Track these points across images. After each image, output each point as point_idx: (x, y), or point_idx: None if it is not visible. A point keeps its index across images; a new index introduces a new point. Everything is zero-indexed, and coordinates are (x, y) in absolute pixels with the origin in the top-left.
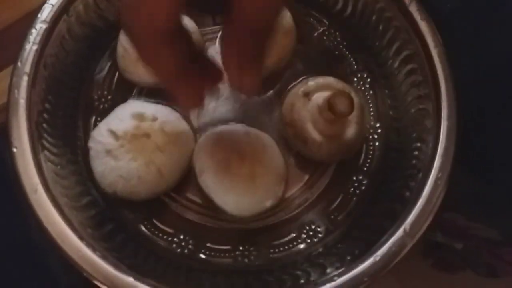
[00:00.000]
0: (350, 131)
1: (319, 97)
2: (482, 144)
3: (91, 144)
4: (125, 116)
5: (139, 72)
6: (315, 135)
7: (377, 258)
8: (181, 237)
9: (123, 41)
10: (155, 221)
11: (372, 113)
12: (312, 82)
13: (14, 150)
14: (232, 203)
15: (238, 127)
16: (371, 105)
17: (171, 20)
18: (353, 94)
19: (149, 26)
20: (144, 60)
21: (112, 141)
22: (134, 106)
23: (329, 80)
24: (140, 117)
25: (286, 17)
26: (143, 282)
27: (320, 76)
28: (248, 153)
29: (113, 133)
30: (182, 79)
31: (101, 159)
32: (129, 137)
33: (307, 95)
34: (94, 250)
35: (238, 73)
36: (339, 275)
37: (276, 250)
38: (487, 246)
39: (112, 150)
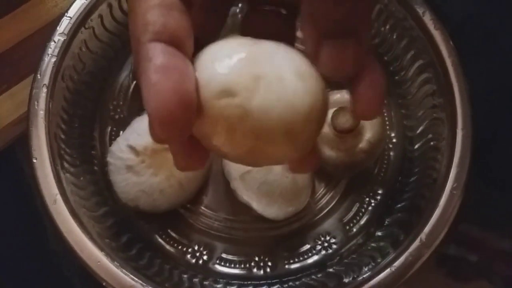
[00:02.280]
0: (363, 145)
1: (330, 113)
2: (496, 154)
3: (110, 159)
4: (143, 131)
5: None
6: (327, 151)
7: (393, 269)
8: (196, 247)
9: None
10: (170, 232)
11: (387, 123)
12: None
13: (34, 160)
14: (272, 204)
15: None
16: (386, 115)
17: None
18: None
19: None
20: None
21: (133, 157)
22: None
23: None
24: None
25: None
26: None
27: (337, 91)
28: None
29: (133, 149)
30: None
31: (122, 174)
32: (149, 153)
33: None
34: (112, 260)
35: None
36: (356, 287)
37: (291, 261)
38: (502, 257)
39: (133, 166)
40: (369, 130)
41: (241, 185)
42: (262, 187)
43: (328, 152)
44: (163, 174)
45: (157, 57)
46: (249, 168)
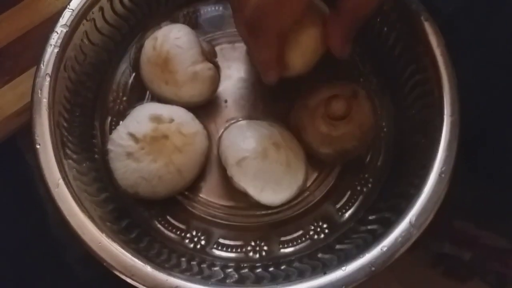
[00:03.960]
0: (355, 132)
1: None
2: (489, 150)
3: (110, 146)
4: (143, 119)
5: (163, 88)
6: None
7: (384, 249)
8: (194, 233)
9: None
10: (168, 218)
11: (378, 112)
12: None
13: (38, 146)
14: (268, 190)
15: (260, 121)
16: (377, 104)
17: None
18: (367, 104)
19: (275, 27)
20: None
21: (132, 144)
22: (150, 109)
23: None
24: (157, 119)
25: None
26: (160, 271)
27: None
28: (281, 142)
29: (133, 136)
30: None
31: (122, 161)
32: (148, 140)
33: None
34: (113, 241)
35: (340, 47)
36: (347, 265)
37: (285, 245)
38: (496, 255)
39: (133, 152)
40: (361, 118)
41: (238, 172)
42: (257, 174)
43: (318, 139)
44: (161, 161)
45: None
46: (245, 155)
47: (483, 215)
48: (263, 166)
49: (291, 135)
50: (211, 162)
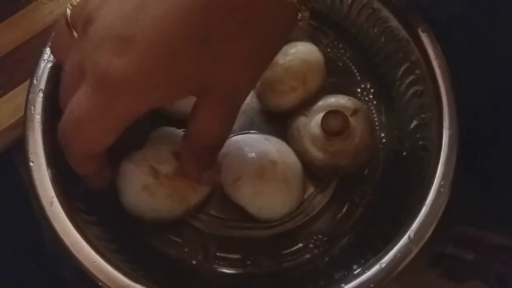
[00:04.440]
0: (351, 150)
1: (319, 116)
2: (489, 154)
3: (126, 169)
4: (167, 155)
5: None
6: (314, 151)
7: (383, 265)
8: (191, 247)
9: None
10: (164, 232)
11: (377, 123)
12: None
13: (31, 164)
14: (268, 208)
15: (255, 135)
16: (375, 116)
17: (106, 147)
18: (367, 123)
19: (84, 152)
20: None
21: (152, 179)
22: (172, 141)
23: (332, 100)
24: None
25: (316, 54)
26: None
27: (331, 96)
28: (278, 159)
29: (155, 171)
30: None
31: (135, 191)
32: (170, 177)
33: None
34: (108, 261)
35: (196, 173)
36: (346, 283)
37: (285, 259)
38: (498, 255)
39: (150, 186)
40: (358, 137)
41: (235, 191)
42: (254, 193)
43: (315, 153)
44: (176, 197)
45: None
46: (241, 175)
47: (484, 219)
48: (260, 186)
49: (288, 149)
50: None
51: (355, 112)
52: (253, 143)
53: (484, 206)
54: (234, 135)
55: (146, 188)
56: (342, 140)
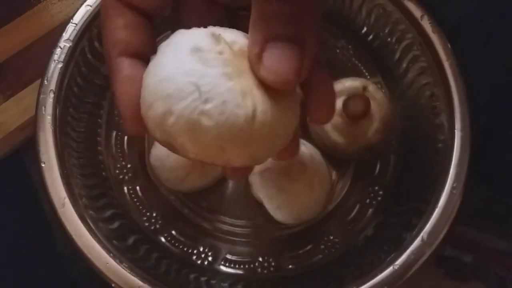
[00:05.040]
0: (378, 126)
1: (340, 100)
2: (492, 155)
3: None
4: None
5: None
6: (341, 139)
7: (396, 267)
8: (201, 249)
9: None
10: (174, 234)
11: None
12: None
13: (43, 165)
14: (285, 208)
15: None
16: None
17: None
18: (379, 95)
19: None
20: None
21: (209, 41)
22: None
23: (339, 86)
24: None
25: None
26: None
27: (346, 79)
28: (309, 165)
29: (215, 35)
30: None
31: (181, 54)
32: (235, 51)
33: None
34: (120, 261)
35: (258, 44)
36: (358, 285)
37: (295, 261)
38: (497, 258)
39: (204, 51)
40: (378, 111)
41: (258, 181)
42: (278, 189)
43: (341, 139)
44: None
45: (124, 69)
46: (268, 166)
47: (484, 219)
48: (285, 183)
49: (321, 159)
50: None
51: (365, 88)
52: None
53: (484, 206)
54: None
55: (197, 50)
56: (366, 120)
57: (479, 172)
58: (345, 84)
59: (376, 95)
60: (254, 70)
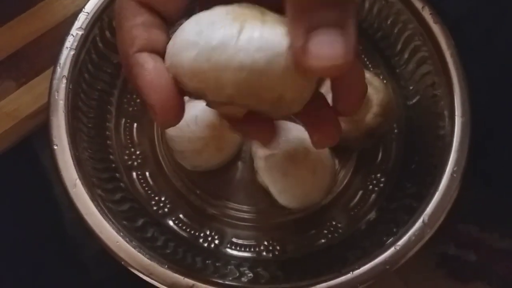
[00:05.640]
0: (376, 110)
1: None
2: (495, 152)
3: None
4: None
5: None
6: (344, 127)
7: (398, 248)
8: (207, 232)
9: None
10: (181, 217)
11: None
12: None
13: (55, 147)
14: (289, 192)
15: (296, 124)
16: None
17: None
18: (376, 81)
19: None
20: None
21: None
22: None
23: None
24: None
25: None
26: (176, 272)
27: None
28: (312, 150)
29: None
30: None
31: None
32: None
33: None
34: (130, 240)
35: (300, 35)
36: (361, 264)
37: (299, 244)
38: (501, 258)
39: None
40: (376, 95)
41: (263, 166)
42: (282, 174)
43: (342, 126)
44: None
45: (148, 62)
46: (274, 151)
47: (487, 217)
48: (289, 168)
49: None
50: (227, 163)
51: None
52: (293, 129)
53: (487, 205)
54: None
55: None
56: (363, 105)
57: (482, 172)
58: None
59: (373, 81)
60: (302, 66)
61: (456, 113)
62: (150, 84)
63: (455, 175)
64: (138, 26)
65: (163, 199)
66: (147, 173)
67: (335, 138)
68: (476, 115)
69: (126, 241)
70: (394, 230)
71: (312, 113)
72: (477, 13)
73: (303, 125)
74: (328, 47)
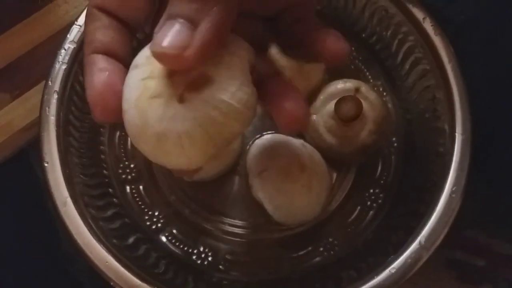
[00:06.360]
0: (371, 127)
1: (332, 102)
2: (500, 158)
3: None
4: None
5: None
6: (335, 141)
7: (393, 271)
8: (201, 248)
9: None
10: (175, 232)
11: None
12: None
13: (46, 164)
14: (284, 209)
15: (294, 139)
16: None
17: None
18: (373, 96)
19: None
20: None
21: None
22: None
23: (332, 88)
24: None
25: None
26: None
27: (338, 81)
28: (308, 165)
29: None
30: None
31: None
32: None
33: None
34: (119, 260)
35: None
36: (355, 287)
37: (294, 262)
38: (508, 263)
39: None
40: (372, 112)
41: (257, 182)
42: (276, 190)
43: (335, 141)
44: None
45: (97, 63)
46: (267, 167)
47: (494, 224)
48: (282, 184)
49: (321, 160)
50: (229, 176)
51: (357, 90)
52: (289, 144)
53: (494, 210)
54: (272, 133)
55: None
56: (359, 121)
57: (487, 177)
58: (337, 86)
59: (369, 96)
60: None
61: (457, 130)
62: (93, 83)
63: (453, 195)
64: (95, 30)
65: (156, 213)
66: (141, 187)
67: (300, 116)
68: (477, 115)
69: (115, 261)
70: (391, 250)
71: (269, 91)
72: (481, 18)
73: (272, 116)
74: (170, 36)
